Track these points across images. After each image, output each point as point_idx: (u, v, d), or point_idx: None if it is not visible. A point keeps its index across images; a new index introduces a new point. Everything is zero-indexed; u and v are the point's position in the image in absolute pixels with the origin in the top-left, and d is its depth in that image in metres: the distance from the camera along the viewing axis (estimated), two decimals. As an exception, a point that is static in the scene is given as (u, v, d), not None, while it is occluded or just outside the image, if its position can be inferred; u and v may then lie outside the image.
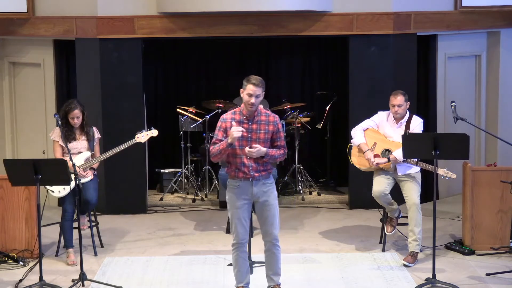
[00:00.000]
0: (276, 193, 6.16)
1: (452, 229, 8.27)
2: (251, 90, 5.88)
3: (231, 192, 6.07)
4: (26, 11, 9.01)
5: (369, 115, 7.57)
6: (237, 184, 6.02)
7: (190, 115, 9.67)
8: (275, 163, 6.19)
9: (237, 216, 6.02)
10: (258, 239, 6.20)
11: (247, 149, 5.89)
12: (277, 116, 6.11)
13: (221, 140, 5.98)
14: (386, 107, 7.43)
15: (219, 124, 6.04)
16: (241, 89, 5.97)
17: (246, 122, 5.97)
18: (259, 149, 5.89)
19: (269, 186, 6.07)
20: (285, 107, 9.69)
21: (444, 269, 6.97)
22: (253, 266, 6.85)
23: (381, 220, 7.74)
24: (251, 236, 6.83)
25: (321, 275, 6.90)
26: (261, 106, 6.10)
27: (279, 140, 6.05)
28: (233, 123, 5.90)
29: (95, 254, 7.53)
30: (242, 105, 6.01)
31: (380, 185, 7.26)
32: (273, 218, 6.07)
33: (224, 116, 6.06)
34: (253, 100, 5.88)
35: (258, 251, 6.29)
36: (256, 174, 5.99)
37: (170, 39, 9.18)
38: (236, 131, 5.83)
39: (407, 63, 9.04)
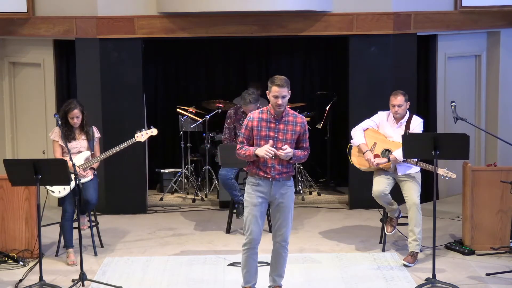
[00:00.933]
0: (293, 196, 6.16)
1: (452, 229, 8.27)
2: (277, 92, 5.89)
3: (249, 189, 6.03)
4: (26, 11, 9.01)
5: (369, 115, 7.57)
6: (257, 182, 5.99)
7: (190, 115, 9.67)
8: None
9: (254, 213, 5.98)
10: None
11: (279, 151, 5.86)
12: (304, 117, 6.13)
13: (247, 139, 5.97)
14: (386, 107, 7.43)
15: (245, 122, 6.02)
16: (267, 91, 5.97)
17: (273, 122, 5.96)
18: (288, 151, 5.88)
19: (288, 189, 6.08)
20: (285, 107, 9.68)
21: (444, 269, 6.97)
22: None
23: (381, 220, 7.74)
24: None
25: (321, 275, 6.91)
26: (289, 108, 6.09)
27: (305, 142, 6.06)
28: (270, 141, 5.87)
29: (95, 254, 7.53)
30: (270, 104, 6.00)
31: (380, 185, 7.26)
32: (286, 220, 6.07)
33: (251, 114, 6.04)
34: (280, 101, 5.89)
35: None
36: (277, 176, 5.98)
37: (170, 39, 9.18)
38: (267, 152, 5.82)
39: (407, 63, 9.04)
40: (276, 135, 5.95)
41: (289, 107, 9.45)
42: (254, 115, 6.01)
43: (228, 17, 8.79)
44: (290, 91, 5.99)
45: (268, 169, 5.96)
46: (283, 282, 6.26)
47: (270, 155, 5.83)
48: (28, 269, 6.96)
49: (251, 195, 6.02)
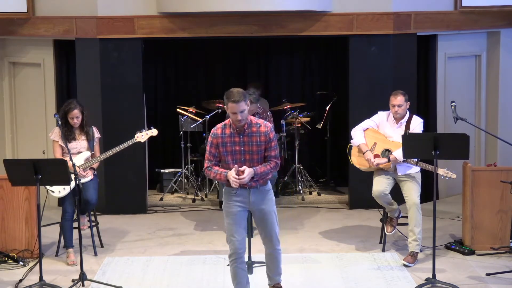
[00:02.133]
0: (273, 198, 6.05)
1: (452, 229, 8.27)
2: (234, 108, 5.73)
3: (227, 199, 5.94)
4: (26, 11, 9.00)
5: (369, 115, 7.57)
6: (234, 192, 5.89)
7: (190, 115, 9.67)
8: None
9: (235, 223, 5.89)
10: (258, 239, 6.19)
11: (234, 181, 5.72)
12: (269, 125, 5.94)
13: (214, 156, 5.87)
14: (386, 107, 7.43)
15: (210, 139, 5.90)
16: (225, 106, 5.85)
17: (237, 136, 5.85)
18: (247, 173, 5.73)
19: (266, 193, 5.97)
20: (285, 107, 9.69)
21: (444, 269, 6.97)
22: (253, 266, 6.84)
23: (381, 220, 7.74)
24: (251, 236, 6.81)
25: (321, 275, 6.90)
26: (251, 117, 5.94)
27: (270, 150, 5.88)
28: (234, 167, 5.75)
29: (95, 254, 7.53)
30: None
31: (380, 185, 7.26)
32: (272, 225, 5.98)
33: (214, 131, 5.92)
34: (239, 117, 5.75)
35: (258, 251, 6.29)
36: (254, 184, 5.87)
37: (170, 39, 9.18)
38: (234, 182, 5.73)
39: (407, 63, 9.04)
40: (242, 148, 5.84)
41: (289, 107, 9.65)
42: (218, 131, 5.88)
43: (228, 17, 8.79)
44: (248, 103, 5.80)
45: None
46: (283, 282, 6.26)
47: (237, 185, 5.75)
48: (28, 269, 6.96)
49: (229, 205, 5.92)
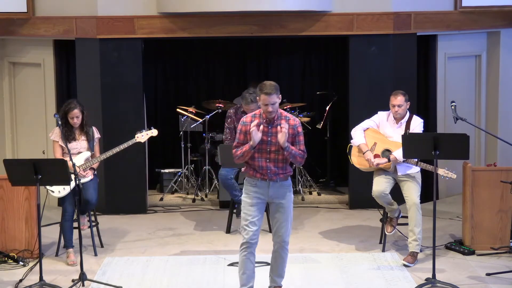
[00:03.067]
0: (292, 196, 6.16)
1: (452, 229, 8.27)
2: (266, 100, 5.89)
3: (247, 190, 6.06)
4: (26, 11, 9.00)
5: (369, 115, 7.57)
6: (254, 183, 6.03)
7: (190, 115, 9.67)
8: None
9: (250, 214, 6.00)
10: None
11: (281, 129, 5.84)
12: (298, 120, 6.09)
13: (242, 143, 6.00)
14: (386, 107, 7.43)
15: (239, 127, 6.05)
16: (257, 97, 5.99)
17: (266, 126, 5.97)
18: (286, 130, 5.85)
19: (286, 189, 6.09)
20: (285, 107, 9.68)
21: (444, 269, 6.97)
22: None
23: (381, 220, 7.74)
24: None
25: (321, 275, 6.91)
26: (282, 111, 6.08)
27: (298, 144, 6.02)
28: (252, 128, 5.89)
29: (95, 254, 7.53)
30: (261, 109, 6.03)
31: (380, 185, 7.26)
32: (286, 221, 6.08)
33: (244, 119, 6.08)
34: (270, 108, 5.90)
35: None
36: (274, 177, 6.00)
37: (170, 39, 9.18)
38: (256, 134, 5.85)
39: (407, 63, 9.04)
40: (269, 138, 5.97)
41: (289, 107, 9.65)
42: (247, 120, 6.04)
43: (228, 17, 8.79)
44: (280, 96, 5.96)
45: (264, 171, 5.99)
46: (283, 282, 6.26)
47: (260, 134, 5.86)
48: (28, 269, 6.96)
49: (249, 196, 6.05)
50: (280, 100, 5.98)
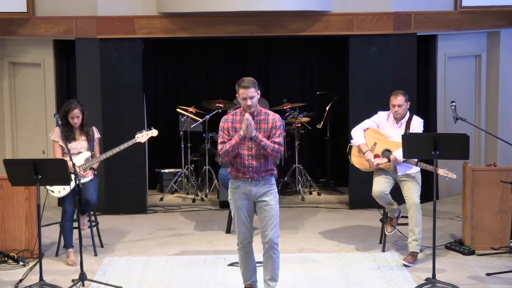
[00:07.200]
0: (277, 195, 6.14)
1: (452, 229, 8.27)
2: (244, 94, 5.96)
3: (232, 192, 6.13)
4: (26, 11, 9.01)
5: (369, 115, 7.57)
6: (237, 184, 6.08)
7: (190, 115, 9.67)
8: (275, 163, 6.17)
9: (238, 215, 6.08)
10: (258, 239, 6.19)
11: (247, 118, 5.87)
12: (277, 115, 6.11)
13: (228, 140, 6.02)
14: (386, 107, 7.43)
15: (221, 124, 6.11)
16: (237, 94, 6.04)
17: None
18: (251, 121, 5.87)
19: (269, 188, 6.07)
20: (285, 107, 9.69)
21: (444, 269, 6.97)
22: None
23: (381, 220, 7.74)
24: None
25: (321, 275, 6.91)
26: (262, 108, 6.12)
27: (274, 136, 6.00)
28: (247, 115, 5.91)
29: (95, 254, 7.53)
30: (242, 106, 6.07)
31: (380, 185, 7.26)
32: (271, 219, 6.04)
33: (225, 116, 6.17)
34: (248, 102, 5.96)
35: (258, 251, 6.29)
36: (256, 175, 6.02)
37: (170, 39, 9.18)
38: (246, 121, 5.86)
39: (407, 63, 9.04)
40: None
41: (289, 107, 9.65)
42: (228, 117, 6.12)
43: (228, 17, 8.79)
44: (258, 91, 6.02)
45: (245, 169, 6.01)
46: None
47: (248, 121, 5.86)
48: (28, 269, 6.95)
49: (234, 197, 6.11)
50: (259, 96, 6.03)
